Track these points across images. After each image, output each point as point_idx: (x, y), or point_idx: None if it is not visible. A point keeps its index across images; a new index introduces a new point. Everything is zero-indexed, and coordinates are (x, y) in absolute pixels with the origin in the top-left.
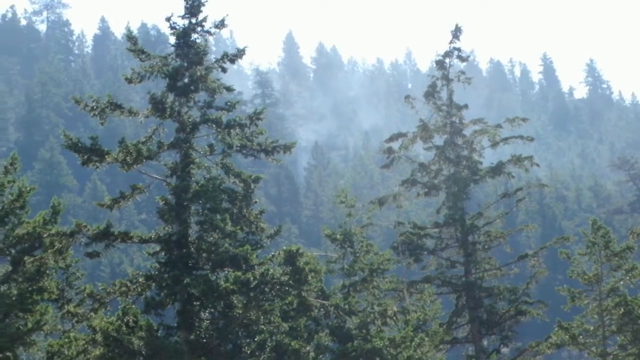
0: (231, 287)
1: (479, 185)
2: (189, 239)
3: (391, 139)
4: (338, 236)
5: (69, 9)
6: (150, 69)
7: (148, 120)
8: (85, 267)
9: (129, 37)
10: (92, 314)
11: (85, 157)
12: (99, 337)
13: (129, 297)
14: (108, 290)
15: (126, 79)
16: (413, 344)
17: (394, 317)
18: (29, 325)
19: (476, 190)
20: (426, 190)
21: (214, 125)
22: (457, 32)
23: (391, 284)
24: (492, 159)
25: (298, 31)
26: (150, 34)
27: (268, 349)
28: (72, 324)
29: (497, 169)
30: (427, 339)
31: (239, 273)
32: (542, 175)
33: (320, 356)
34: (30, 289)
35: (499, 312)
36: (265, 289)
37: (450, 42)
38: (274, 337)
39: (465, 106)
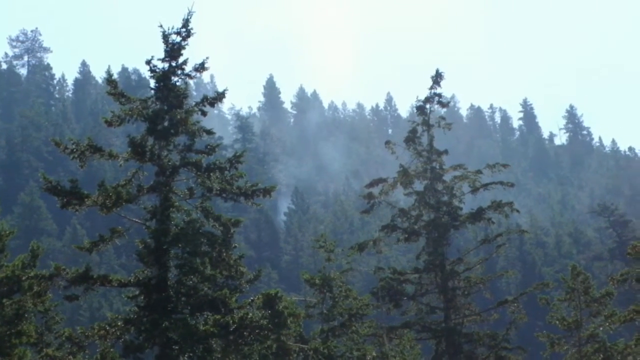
0: (210, 330)
1: (459, 231)
2: (168, 282)
3: (371, 184)
4: (317, 281)
5: (50, 53)
6: (130, 112)
7: (128, 164)
8: (64, 311)
9: (109, 80)
10: (70, 357)
11: (65, 200)
12: None
13: (108, 340)
14: (87, 334)
15: (106, 121)
16: None
17: None
18: None
19: (456, 236)
20: (406, 235)
21: (193, 169)
22: (437, 78)
23: (370, 329)
24: (472, 205)
25: (279, 75)
26: (131, 78)
27: None
28: None
29: (477, 215)
30: None
31: (218, 316)
32: (522, 221)
33: None
34: (8, 332)
35: (478, 358)
36: (245, 332)
37: (431, 88)
38: None
39: (446, 152)
